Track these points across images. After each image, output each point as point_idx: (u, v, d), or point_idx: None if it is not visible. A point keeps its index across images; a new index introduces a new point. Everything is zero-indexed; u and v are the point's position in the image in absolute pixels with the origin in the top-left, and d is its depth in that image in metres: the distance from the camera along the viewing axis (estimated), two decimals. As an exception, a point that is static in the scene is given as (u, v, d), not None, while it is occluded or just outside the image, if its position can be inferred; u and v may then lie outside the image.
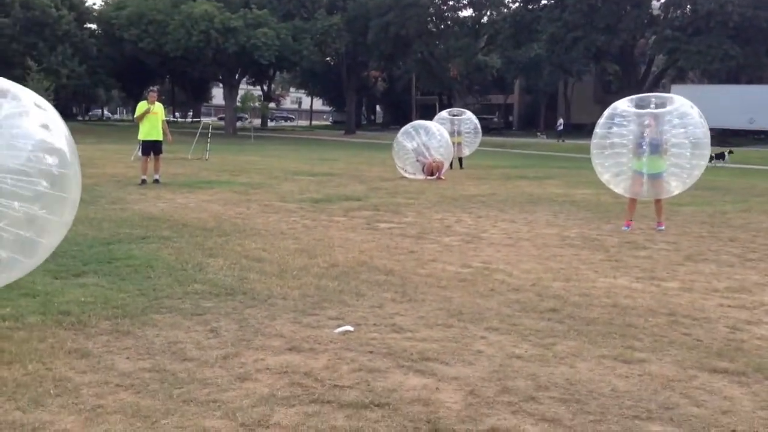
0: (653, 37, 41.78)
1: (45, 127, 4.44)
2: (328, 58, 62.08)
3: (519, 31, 47.00)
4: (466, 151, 21.27)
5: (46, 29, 47.46)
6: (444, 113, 22.54)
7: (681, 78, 49.95)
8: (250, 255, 7.30)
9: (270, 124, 76.77)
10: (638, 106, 9.99)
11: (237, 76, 54.20)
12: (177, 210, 10.54)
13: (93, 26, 54.28)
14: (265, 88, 73.28)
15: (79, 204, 11.03)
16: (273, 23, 46.42)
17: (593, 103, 50.34)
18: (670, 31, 39.98)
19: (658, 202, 10.01)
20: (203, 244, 7.86)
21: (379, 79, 72.75)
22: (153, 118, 14.50)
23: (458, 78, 58.31)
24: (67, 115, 54.90)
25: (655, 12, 43.39)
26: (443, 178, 17.15)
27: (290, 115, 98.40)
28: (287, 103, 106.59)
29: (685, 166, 9.72)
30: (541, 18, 44.17)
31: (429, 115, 42.35)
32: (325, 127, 79.76)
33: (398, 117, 65.03)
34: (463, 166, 21.04)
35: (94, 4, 56.17)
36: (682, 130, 9.64)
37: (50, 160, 4.31)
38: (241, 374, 4.02)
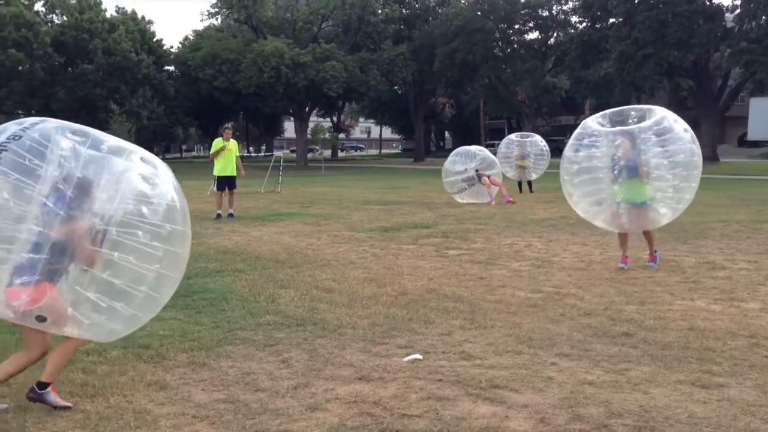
0: (728, 51, 40.54)
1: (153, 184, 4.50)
2: (395, 87, 62.72)
3: (587, 51, 46.37)
4: (533, 175, 21.06)
5: (127, 73, 49.71)
6: (512, 136, 22.44)
7: (760, 90, 48.11)
8: (320, 285, 7.42)
9: (340, 154, 77.89)
10: (614, 122, 8.47)
11: (307, 109, 55.34)
12: (250, 243, 10.81)
13: (171, 68, 56.52)
14: (335, 119, 74.56)
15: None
16: (341, 56, 47.33)
17: (668, 120, 49.01)
18: (746, 44, 38.73)
19: (646, 233, 8.50)
20: (275, 275, 8.03)
21: (447, 105, 72.94)
22: (228, 154, 14.96)
23: (527, 101, 57.91)
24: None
25: (729, 24, 42.17)
26: (513, 201, 17.06)
27: (360, 145, 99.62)
28: (357, 132, 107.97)
29: (667, 191, 8.17)
30: (609, 36, 43.52)
31: (498, 138, 42.06)
32: (395, 155, 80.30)
33: (467, 142, 64.60)
34: (533, 189, 20.81)
35: (171, 47, 58.53)
36: (660, 149, 8.02)
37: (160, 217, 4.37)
38: (312, 404, 4.09)
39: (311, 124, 66.24)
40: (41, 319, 3.78)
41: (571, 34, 50.11)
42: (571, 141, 8.72)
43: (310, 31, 51.95)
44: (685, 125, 8.31)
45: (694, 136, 8.30)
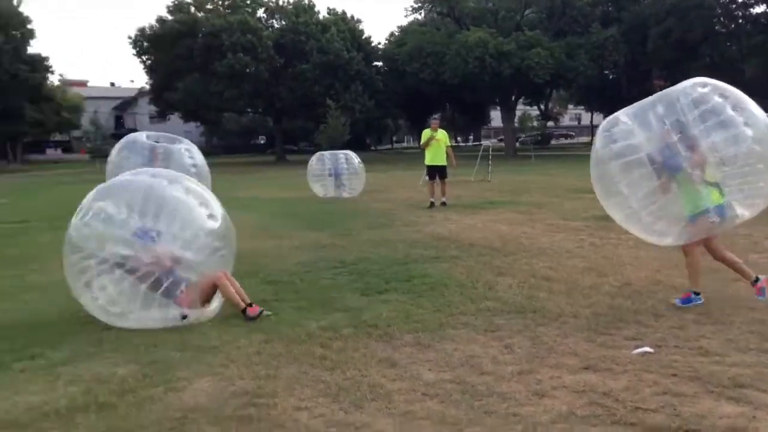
0: None
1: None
2: (605, 72, 59.98)
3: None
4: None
5: (340, 70, 52.44)
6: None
7: None
8: (537, 274, 7.35)
9: (551, 142, 76.21)
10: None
11: (513, 98, 54.75)
12: (464, 230, 10.95)
13: (379, 63, 58.67)
14: (542, 107, 72.98)
15: (379, 226, 11.89)
16: (546, 42, 46.21)
17: None
18: None
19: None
20: (491, 263, 8.07)
21: (663, 87, 68.48)
22: (437, 144, 15.26)
23: (758, 79, 52.73)
24: (361, 146, 59.86)
25: None
26: None
27: (570, 132, 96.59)
28: (566, 120, 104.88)
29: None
30: None
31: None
32: (606, 142, 76.86)
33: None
34: None
35: (379, 43, 60.67)
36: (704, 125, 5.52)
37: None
38: (538, 390, 4.08)
39: (518, 113, 65.40)
40: None
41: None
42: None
43: (512, 20, 51.21)
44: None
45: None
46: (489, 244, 9.44)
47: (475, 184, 21.34)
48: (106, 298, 5.72)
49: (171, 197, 5.93)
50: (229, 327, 5.60)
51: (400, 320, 5.66)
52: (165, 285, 5.68)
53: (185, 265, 5.79)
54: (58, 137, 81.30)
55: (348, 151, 19.81)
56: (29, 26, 57.82)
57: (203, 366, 4.65)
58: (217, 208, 6.21)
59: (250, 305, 5.91)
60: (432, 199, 15.02)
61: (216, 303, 6.10)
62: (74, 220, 5.86)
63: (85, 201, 5.95)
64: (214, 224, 6.05)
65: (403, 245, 9.60)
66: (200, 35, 51.55)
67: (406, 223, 12.22)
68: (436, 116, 16.03)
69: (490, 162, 24.22)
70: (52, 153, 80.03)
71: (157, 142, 13.06)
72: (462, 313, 5.87)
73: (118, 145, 13.04)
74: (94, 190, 6.02)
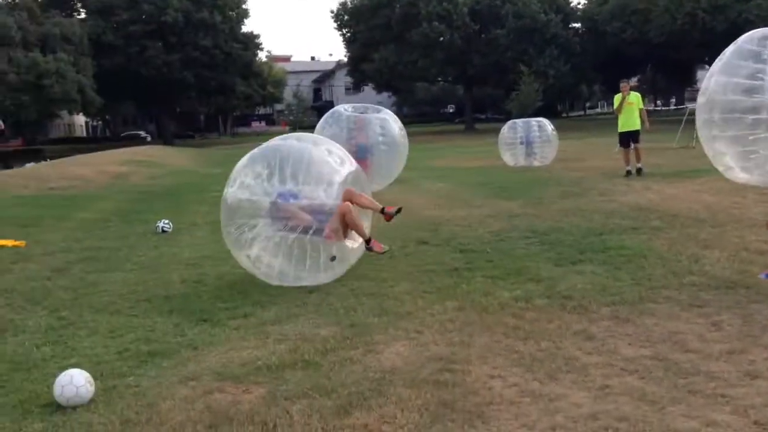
0: None
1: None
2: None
3: None
4: None
5: (536, 34, 51.15)
6: None
7: None
8: (750, 247, 6.77)
9: None
10: None
11: (725, 56, 50.36)
12: (666, 200, 10.33)
13: (577, 25, 56.38)
14: (759, 64, 66.41)
15: (572, 195, 11.62)
16: (769, -9, 41.88)
17: None
18: None
19: None
20: (696, 235, 7.56)
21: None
22: (629, 108, 14.46)
23: None
24: (552, 113, 58.13)
25: None
26: None
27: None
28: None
29: None
30: None
31: None
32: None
33: None
34: None
35: (578, 3, 58.21)
36: None
37: None
38: (750, 371, 3.80)
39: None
40: None
41: None
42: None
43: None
44: None
45: None
46: (694, 215, 8.84)
47: (677, 151, 20.01)
48: (266, 262, 6.30)
49: (308, 154, 6.42)
50: (422, 294, 5.75)
51: (596, 292, 5.50)
52: (314, 228, 6.16)
53: (328, 211, 6.24)
54: (262, 111, 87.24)
55: (541, 119, 19.36)
56: (244, 6, 62.17)
57: (399, 331, 4.83)
58: (349, 160, 6.68)
59: (368, 240, 6.51)
60: (628, 168, 14.29)
61: (357, 244, 6.63)
62: (226, 189, 6.47)
63: (235, 170, 6.57)
64: (344, 169, 6.50)
65: (599, 215, 9.26)
66: (398, 5, 52.55)
67: (601, 192, 11.76)
68: (625, 80, 15.13)
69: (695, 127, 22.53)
70: (257, 126, 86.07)
71: (363, 112, 13.84)
72: (664, 287, 5.57)
73: (324, 118, 14.07)
74: (245, 158, 6.63)
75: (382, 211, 6.69)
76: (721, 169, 7.68)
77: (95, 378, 4.08)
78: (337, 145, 6.96)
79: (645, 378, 3.80)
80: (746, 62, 6.07)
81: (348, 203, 6.32)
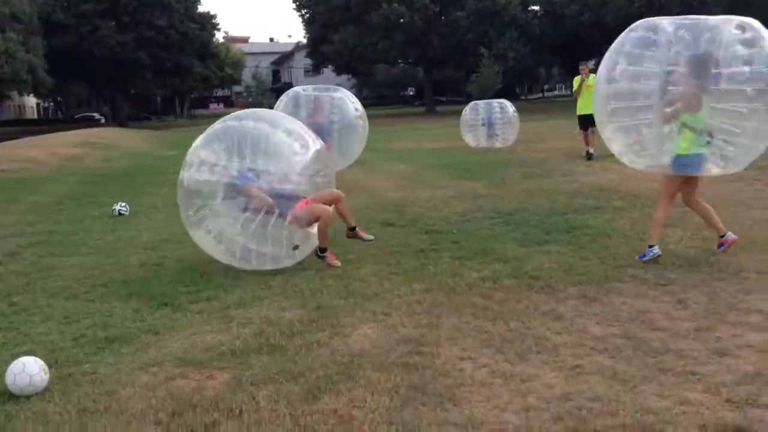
0: None
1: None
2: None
3: None
4: None
5: (495, 17, 51.13)
6: None
7: None
8: (712, 226, 6.83)
9: None
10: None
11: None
12: (625, 180, 10.39)
13: (536, 8, 56.55)
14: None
15: (535, 176, 11.59)
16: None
17: None
18: None
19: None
20: (659, 214, 7.60)
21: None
22: (588, 91, 14.50)
23: None
24: (511, 95, 58.44)
25: None
26: None
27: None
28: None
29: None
30: None
31: None
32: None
33: None
34: None
35: (537, -15, 58.30)
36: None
37: None
38: (719, 349, 3.81)
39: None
40: None
41: None
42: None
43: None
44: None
45: None
46: (654, 195, 8.85)
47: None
48: (228, 242, 6.14)
49: (265, 137, 6.19)
50: (389, 276, 5.66)
51: (563, 272, 5.48)
52: (277, 211, 6.00)
53: (289, 193, 6.08)
54: (219, 92, 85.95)
55: (503, 100, 19.36)
56: (199, -16, 60.87)
57: (367, 313, 4.73)
58: (311, 140, 6.41)
59: (324, 249, 6.18)
60: (588, 149, 14.36)
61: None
62: (183, 172, 6.24)
63: (191, 151, 6.33)
64: (307, 154, 6.27)
65: (562, 195, 9.29)
66: (357, -15, 52.03)
67: (563, 173, 11.81)
68: (584, 63, 15.14)
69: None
70: (214, 108, 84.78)
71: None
72: (629, 266, 5.59)
73: (282, 98, 13.69)
74: (198, 139, 6.41)
75: (353, 228, 6.68)
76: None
77: (50, 365, 3.91)
78: (298, 122, 6.78)
79: (615, 357, 3.77)
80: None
81: (328, 209, 6.15)
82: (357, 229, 6.71)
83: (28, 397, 3.61)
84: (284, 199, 6.05)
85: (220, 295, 5.39)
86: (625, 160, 6.02)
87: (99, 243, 7.92)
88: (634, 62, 5.60)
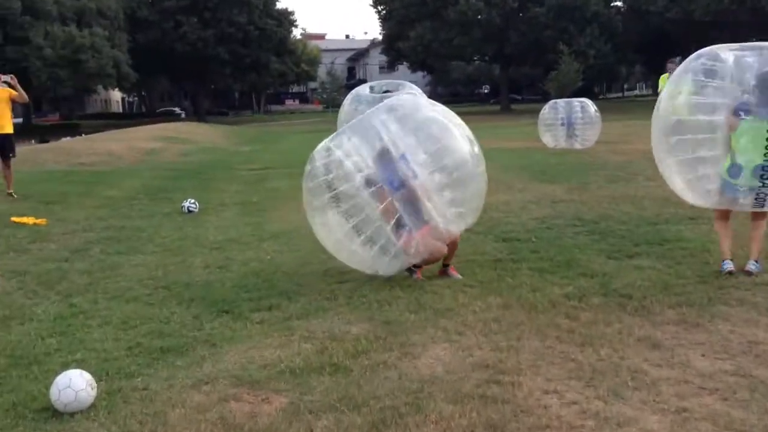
0: None
1: None
2: None
3: None
4: None
5: (576, 12, 49.75)
6: None
7: None
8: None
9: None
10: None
11: (775, 36, 48.57)
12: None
13: (619, 3, 54.83)
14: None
15: (619, 180, 10.89)
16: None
17: None
18: None
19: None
20: (763, 226, 6.90)
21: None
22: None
23: None
24: (589, 94, 56.75)
25: None
26: None
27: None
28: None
29: None
30: None
31: None
32: None
33: None
34: None
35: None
36: None
37: None
38: None
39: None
40: None
41: None
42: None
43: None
44: None
45: None
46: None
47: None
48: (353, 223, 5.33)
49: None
50: (463, 288, 5.22)
51: (658, 291, 4.93)
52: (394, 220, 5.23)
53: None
54: (295, 89, 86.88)
55: (584, 99, 18.57)
56: (278, -18, 61.70)
57: (439, 331, 4.32)
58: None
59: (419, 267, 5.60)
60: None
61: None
62: (315, 163, 5.50)
63: (320, 146, 5.56)
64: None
65: (650, 202, 8.62)
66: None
67: (649, 178, 11.02)
68: (673, 60, 14.26)
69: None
70: (290, 104, 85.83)
71: (386, 91, 13.18)
72: (734, 287, 4.98)
73: (348, 97, 13.40)
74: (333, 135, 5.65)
75: (446, 264, 5.72)
76: None
77: (100, 378, 3.67)
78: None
79: (729, 400, 3.24)
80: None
81: (444, 249, 5.48)
82: (451, 266, 5.75)
83: (72, 415, 3.35)
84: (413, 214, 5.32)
85: (283, 304, 5.08)
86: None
87: (165, 241, 7.76)
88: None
